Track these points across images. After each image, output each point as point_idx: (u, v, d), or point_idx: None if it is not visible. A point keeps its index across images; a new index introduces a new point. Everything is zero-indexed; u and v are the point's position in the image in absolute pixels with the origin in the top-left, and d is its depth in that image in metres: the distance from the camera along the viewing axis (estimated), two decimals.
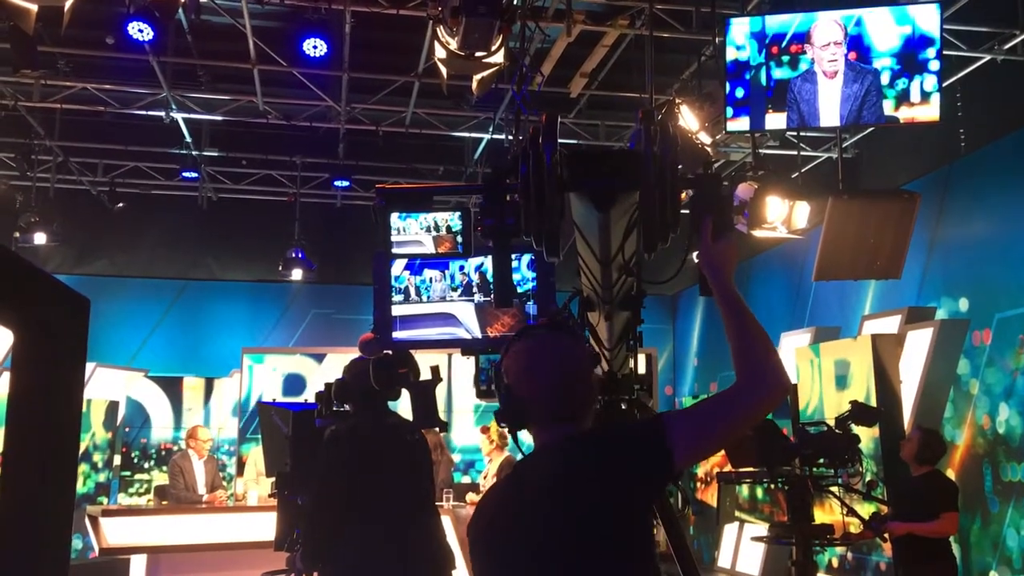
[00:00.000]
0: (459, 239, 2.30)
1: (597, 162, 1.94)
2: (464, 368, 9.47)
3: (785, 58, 5.50)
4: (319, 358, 10.10)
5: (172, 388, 10.51)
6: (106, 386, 9.94)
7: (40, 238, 9.56)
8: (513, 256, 3.55)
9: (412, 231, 2.30)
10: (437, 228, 2.30)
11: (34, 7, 5.08)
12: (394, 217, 2.29)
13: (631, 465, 1.81)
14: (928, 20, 5.34)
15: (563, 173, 1.91)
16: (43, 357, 1.32)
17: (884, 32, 5.35)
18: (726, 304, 1.89)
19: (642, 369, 3.05)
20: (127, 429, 10.21)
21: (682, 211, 2.05)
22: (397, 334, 3.69)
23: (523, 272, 3.60)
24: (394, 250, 2.33)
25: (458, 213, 2.30)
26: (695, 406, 1.93)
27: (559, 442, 1.88)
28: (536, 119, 1.94)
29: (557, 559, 1.77)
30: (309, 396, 8.10)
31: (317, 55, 6.81)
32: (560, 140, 1.92)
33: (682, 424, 1.81)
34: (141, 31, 6.07)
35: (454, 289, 3.72)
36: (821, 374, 7.37)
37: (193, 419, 10.13)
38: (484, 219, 2.04)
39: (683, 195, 2.09)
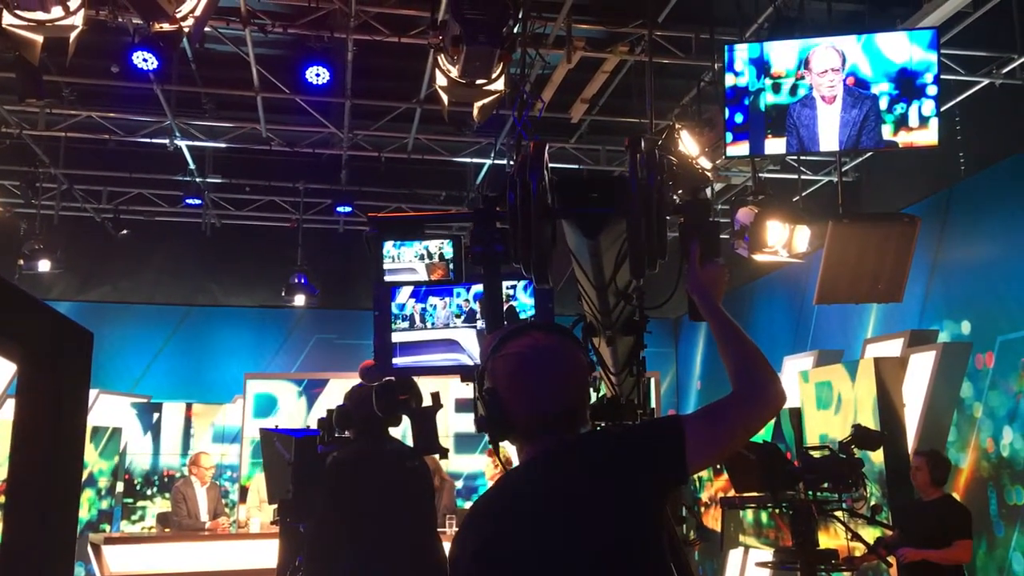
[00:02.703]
0: (451, 266, 2.31)
1: (585, 189, 1.94)
2: (449, 396, 9.40)
3: (784, 84, 5.54)
4: (307, 385, 9.99)
5: (150, 416, 10.42)
6: (109, 413, 9.92)
7: (44, 265, 9.60)
8: (514, 282, 3.56)
9: (406, 259, 2.31)
10: (430, 256, 2.31)
11: (40, 38, 5.13)
12: (388, 245, 2.30)
13: (650, 464, 1.75)
14: (925, 46, 5.38)
15: (553, 200, 1.91)
16: (46, 389, 1.34)
17: (882, 58, 5.39)
18: (717, 325, 1.88)
19: None
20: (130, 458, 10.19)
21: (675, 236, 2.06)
22: (397, 360, 3.68)
23: (520, 301, 3.59)
24: (387, 277, 2.33)
25: (450, 241, 2.31)
26: (704, 411, 1.82)
27: (563, 447, 1.77)
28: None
29: (586, 565, 1.66)
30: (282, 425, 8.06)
31: (320, 82, 6.87)
32: (561, 165, 1.93)
33: (697, 428, 1.75)
34: (146, 60, 6.11)
35: (458, 316, 3.72)
36: (812, 399, 7.36)
37: (172, 445, 10.11)
38: (473, 246, 2.04)
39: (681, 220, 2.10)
